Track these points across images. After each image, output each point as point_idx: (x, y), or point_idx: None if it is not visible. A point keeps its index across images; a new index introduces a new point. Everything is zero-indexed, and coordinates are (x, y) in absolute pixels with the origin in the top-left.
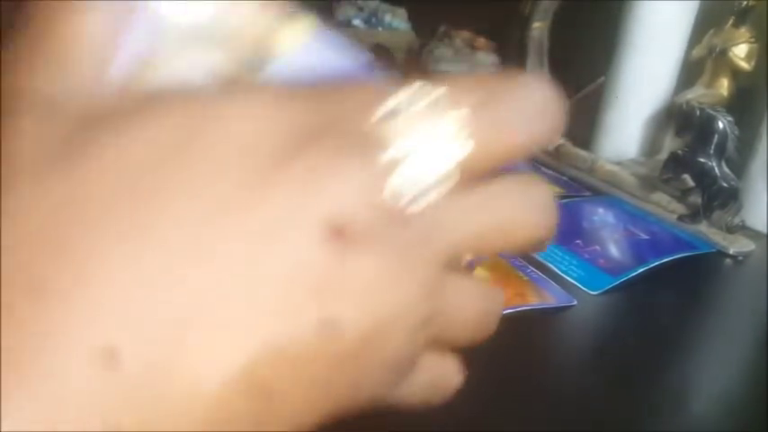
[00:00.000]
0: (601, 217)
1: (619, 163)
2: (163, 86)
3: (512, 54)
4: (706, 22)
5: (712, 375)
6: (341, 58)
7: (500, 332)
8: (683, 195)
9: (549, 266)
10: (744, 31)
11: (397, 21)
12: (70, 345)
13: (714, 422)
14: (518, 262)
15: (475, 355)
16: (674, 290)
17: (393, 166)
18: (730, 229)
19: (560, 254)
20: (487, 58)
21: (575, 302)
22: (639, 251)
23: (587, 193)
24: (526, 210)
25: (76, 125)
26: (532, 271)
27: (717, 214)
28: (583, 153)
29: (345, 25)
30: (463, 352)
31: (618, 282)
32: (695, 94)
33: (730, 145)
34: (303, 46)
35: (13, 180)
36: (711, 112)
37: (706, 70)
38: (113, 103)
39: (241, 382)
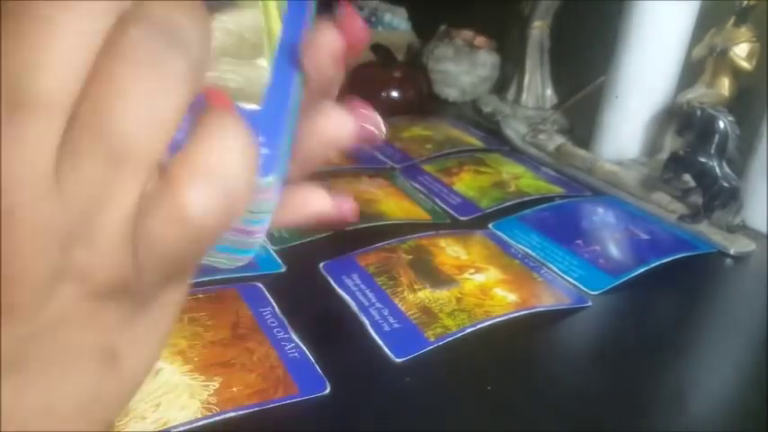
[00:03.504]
0: (601, 217)
1: (619, 163)
2: None
3: (512, 53)
4: (707, 22)
5: (712, 375)
6: None
7: (509, 334)
8: (683, 195)
9: (548, 266)
10: (745, 31)
11: (398, 20)
12: None
13: (714, 421)
14: (531, 263)
15: (471, 358)
16: (674, 290)
17: None
18: (731, 229)
19: (560, 254)
20: (488, 57)
21: (589, 303)
22: (640, 251)
23: (588, 193)
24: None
25: None
26: (546, 271)
27: (717, 214)
28: (583, 153)
29: None
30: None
31: (618, 282)
32: (696, 94)
33: (731, 145)
34: None
35: None
36: (712, 111)
37: (707, 70)
38: None
39: None
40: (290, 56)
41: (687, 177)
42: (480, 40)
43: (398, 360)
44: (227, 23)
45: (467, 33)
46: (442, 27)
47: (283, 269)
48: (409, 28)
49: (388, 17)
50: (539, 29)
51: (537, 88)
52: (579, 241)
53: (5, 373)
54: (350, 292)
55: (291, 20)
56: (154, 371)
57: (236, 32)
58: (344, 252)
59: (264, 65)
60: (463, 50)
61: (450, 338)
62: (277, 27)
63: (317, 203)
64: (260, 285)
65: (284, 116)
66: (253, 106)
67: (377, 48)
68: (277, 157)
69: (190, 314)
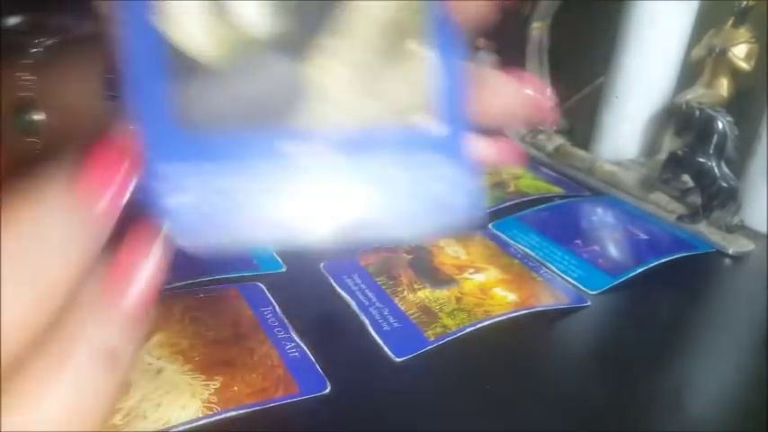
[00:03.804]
0: (600, 217)
1: (618, 163)
2: None
3: (512, 54)
4: (706, 23)
5: (711, 375)
6: None
7: (508, 334)
8: (682, 195)
9: (548, 266)
10: (743, 32)
11: None
12: None
13: (713, 422)
14: (531, 263)
15: (471, 358)
16: (672, 290)
17: None
18: (729, 229)
19: (559, 254)
20: (487, 57)
21: (588, 303)
22: (638, 251)
23: (587, 193)
24: None
25: None
26: (546, 271)
27: (716, 214)
28: (582, 153)
29: None
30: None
31: (617, 282)
32: (695, 95)
33: (729, 145)
34: None
35: None
36: (711, 112)
37: (705, 70)
38: None
39: None
40: (445, 26)
41: (686, 177)
42: (479, 40)
43: (398, 360)
44: (365, 9)
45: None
46: None
47: (284, 269)
48: None
49: None
50: (538, 29)
51: None
52: (578, 241)
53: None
54: (350, 292)
55: None
56: (155, 370)
57: (379, 16)
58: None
59: (426, 53)
60: None
61: (449, 338)
62: None
63: (482, 152)
64: (260, 285)
65: (467, 120)
66: (436, 128)
67: None
68: (473, 178)
69: (191, 313)
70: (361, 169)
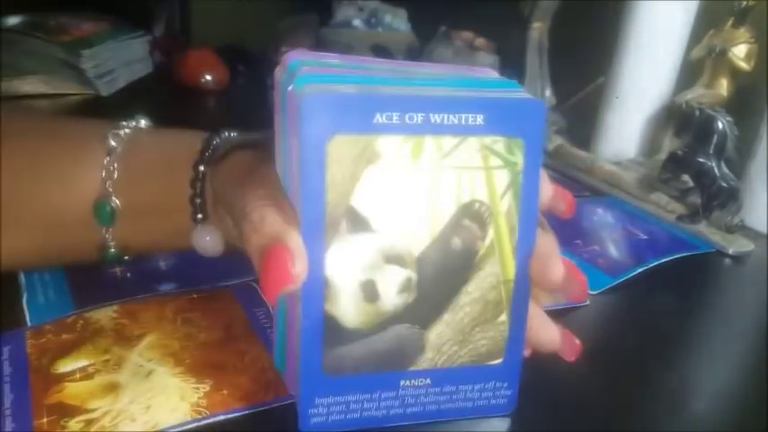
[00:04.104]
0: (600, 217)
1: (618, 163)
2: None
3: (512, 54)
4: (706, 23)
5: (711, 375)
6: None
7: None
8: (682, 195)
9: None
10: (743, 32)
11: (398, 21)
12: None
13: (713, 422)
14: None
15: None
16: (672, 290)
17: None
18: (729, 229)
19: None
20: (488, 58)
21: (588, 303)
22: (638, 251)
23: (587, 193)
24: None
25: None
26: None
27: (716, 214)
28: (582, 153)
29: (345, 26)
30: None
31: (617, 282)
32: (695, 95)
33: (729, 145)
34: None
35: None
36: (711, 112)
37: (705, 70)
38: None
39: None
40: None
41: (686, 177)
42: (480, 41)
43: None
44: (472, 293)
45: (466, 35)
46: (442, 28)
47: None
48: (409, 29)
49: (388, 18)
50: (538, 30)
51: (536, 89)
52: (578, 241)
53: None
54: None
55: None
56: (145, 372)
57: (480, 297)
58: None
59: (505, 319)
60: (463, 52)
61: None
62: (511, 268)
63: (547, 338)
64: (255, 286)
65: (521, 354)
66: (497, 361)
67: (377, 49)
68: (516, 392)
69: (183, 315)
70: (441, 392)
